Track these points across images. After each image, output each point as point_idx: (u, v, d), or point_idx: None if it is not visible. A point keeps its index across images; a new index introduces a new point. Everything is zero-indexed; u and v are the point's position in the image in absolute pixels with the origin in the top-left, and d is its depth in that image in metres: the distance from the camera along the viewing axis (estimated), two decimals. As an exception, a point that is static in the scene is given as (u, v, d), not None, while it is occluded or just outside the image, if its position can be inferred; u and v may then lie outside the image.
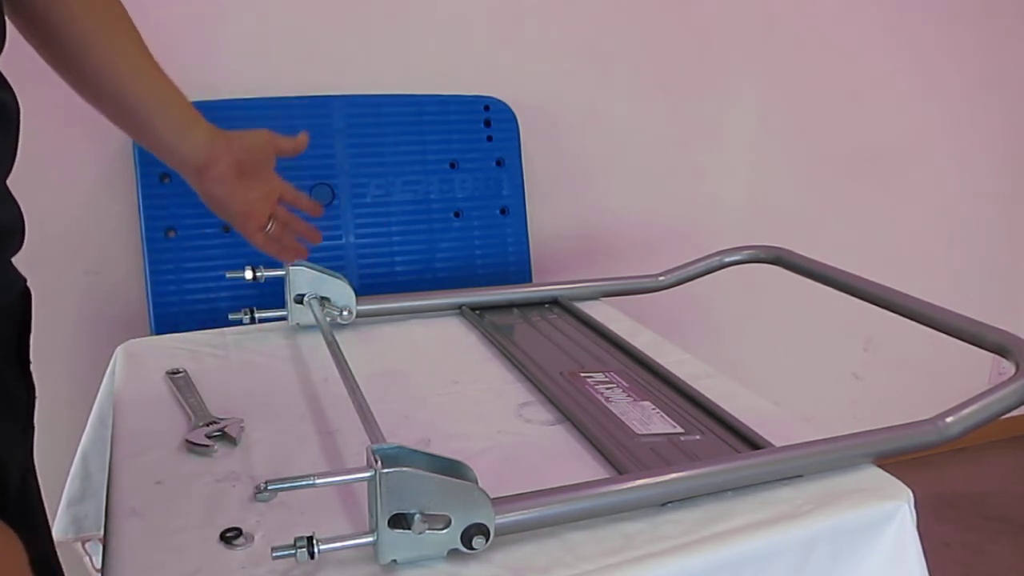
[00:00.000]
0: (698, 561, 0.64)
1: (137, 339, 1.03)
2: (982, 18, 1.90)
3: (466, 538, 0.61)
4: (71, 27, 0.74)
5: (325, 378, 0.92)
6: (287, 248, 0.96)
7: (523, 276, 1.48)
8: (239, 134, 0.89)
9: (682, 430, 0.82)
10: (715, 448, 0.79)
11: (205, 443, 0.77)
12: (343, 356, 0.84)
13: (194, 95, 1.30)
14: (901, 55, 1.85)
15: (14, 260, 0.66)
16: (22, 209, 0.66)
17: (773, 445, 0.76)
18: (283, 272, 1.00)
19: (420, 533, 0.59)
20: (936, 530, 1.93)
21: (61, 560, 0.79)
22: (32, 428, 0.70)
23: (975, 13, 1.89)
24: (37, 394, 0.70)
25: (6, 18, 0.60)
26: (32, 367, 0.70)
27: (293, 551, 0.58)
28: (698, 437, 0.81)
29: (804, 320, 1.88)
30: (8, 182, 0.63)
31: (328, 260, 1.34)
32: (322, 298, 1.02)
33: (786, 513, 0.69)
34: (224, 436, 0.79)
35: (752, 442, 0.78)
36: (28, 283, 0.69)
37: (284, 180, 0.95)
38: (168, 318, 1.26)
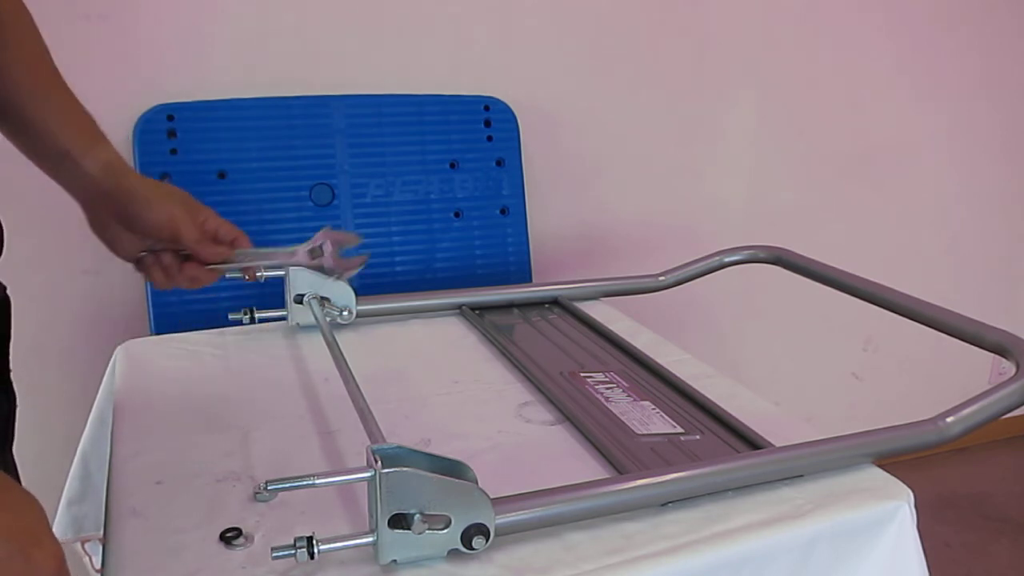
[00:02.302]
0: (698, 561, 0.64)
1: (137, 339, 1.03)
2: (982, 18, 1.90)
3: (466, 538, 0.61)
4: None
5: (325, 378, 0.91)
6: (159, 280, 0.84)
7: (523, 276, 1.48)
8: (137, 195, 0.78)
9: (682, 430, 0.82)
10: (715, 448, 0.79)
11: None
12: (343, 356, 0.84)
13: (194, 95, 1.31)
14: (901, 56, 1.85)
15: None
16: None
17: (773, 445, 0.76)
18: (283, 272, 1.00)
19: (420, 533, 0.59)
20: (936, 530, 1.93)
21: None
22: (11, 437, 0.69)
23: (975, 13, 1.89)
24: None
25: None
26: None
27: (293, 551, 0.58)
28: (698, 437, 0.81)
29: (804, 320, 1.88)
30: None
31: (328, 260, 1.34)
32: (322, 298, 1.02)
33: (786, 513, 0.69)
34: None
35: (752, 442, 0.78)
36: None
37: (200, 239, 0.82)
38: (168, 318, 1.26)
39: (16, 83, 0.72)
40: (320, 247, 0.87)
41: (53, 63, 0.75)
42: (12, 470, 0.71)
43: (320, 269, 0.85)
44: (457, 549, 0.61)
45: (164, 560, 0.61)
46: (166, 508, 0.68)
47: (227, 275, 0.97)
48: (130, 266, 1.37)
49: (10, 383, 0.69)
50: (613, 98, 1.62)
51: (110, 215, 0.78)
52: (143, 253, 0.81)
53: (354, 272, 0.84)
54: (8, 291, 0.68)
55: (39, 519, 0.47)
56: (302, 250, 0.87)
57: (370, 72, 1.43)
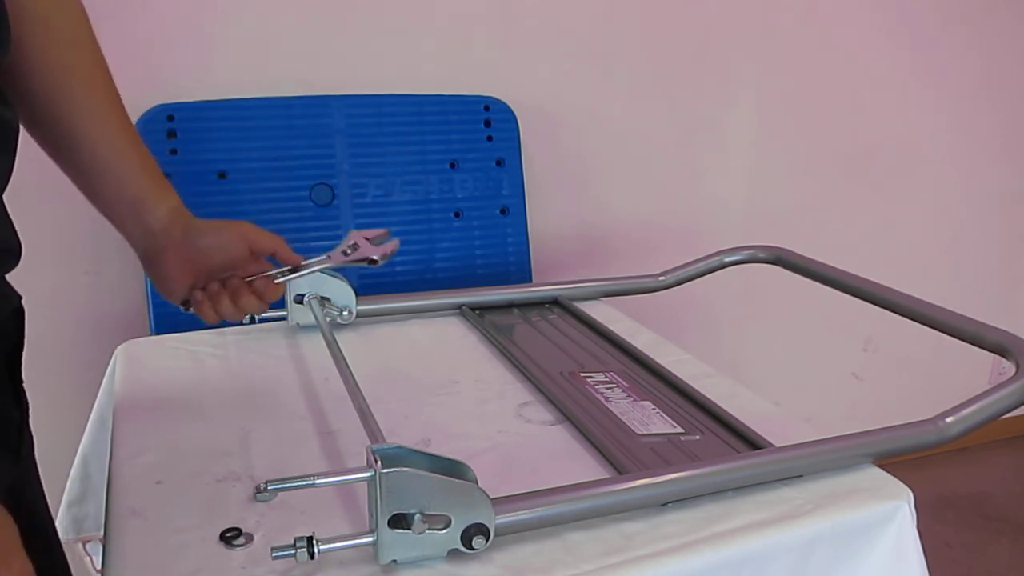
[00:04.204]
0: (698, 561, 0.64)
1: (137, 339, 1.03)
2: (982, 18, 1.90)
3: (466, 538, 0.61)
4: (44, 81, 0.69)
5: (325, 378, 0.92)
6: (208, 313, 0.82)
7: (523, 276, 1.48)
8: (205, 228, 0.79)
9: (682, 430, 0.82)
10: (715, 448, 0.79)
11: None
12: (343, 356, 0.84)
13: (194, 95, 1.31)
14: (901, 55, 1.85)
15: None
16: (24, 209, 0.65)
17: (773, 445, 0.76)
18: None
19: (420, 533, 0.59)
20: (936, 530, 1.93)
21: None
22: (29, 443, 0.69)
23: (975, 13, 1.89)
24: (33, 400, 0.70)
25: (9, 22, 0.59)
26: (25, 377, 0.69)
27: (293, 551, 0.58)
28: (698, 437, 0.81)
29: (804, 320, 1.88)
30: (9, 182, 0.62)
31: (328, 260, 1.34)
32: (322, 298, 1.02)
33: (786, 513, 0.69)
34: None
35: (752, 442, 0.78)
36: (25, 289, 0.68)
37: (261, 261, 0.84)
38: (168, 318, 1.26)
39: (99, 130, 0.73)
40: (353, 244, 0.88)
41: (123, 106, 0.76)
42: (31, 480, 0.71)
43: (360, 262, 0.86)
44: (457, 549, 0.61)
45: (164, 560, 0.61)
46: (166, 508, 0.68)
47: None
48: (130, 266, 1.38)
49: (23, 392, 0.69)
50: (613, 98, 1.61)
51: (176, 258, 0.78)
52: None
53: (391, 255, 0.86)
54: (23, 301, 0.68)
55: (9, 537, 0.46)
56: (336, 252, 0.88)
57: (370, 72, 1.43)
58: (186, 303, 0.82)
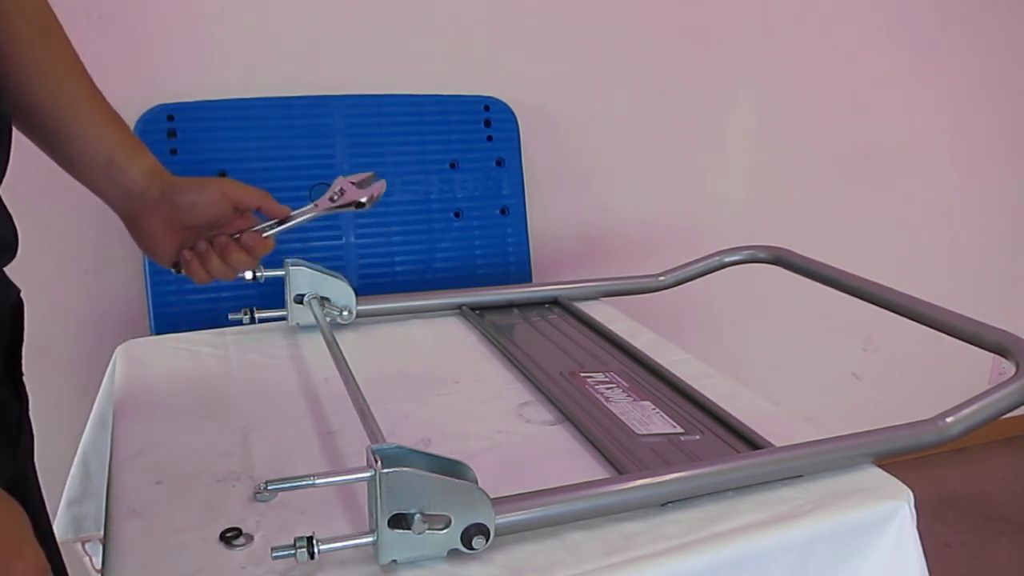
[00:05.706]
0: (698, 561, 0.64)
1: (137, 339, 1.03)
2: (982, 18, 1.90)
3: (466, 538, 0.61)
4: (3, 52, 0.68)
5: (325, 378, 0.92)
6: (199, 272, 0.81)
7: (523, 276, 1.48)
8: (184, 186, 0.78)
9: (682, 430, 0.82)
10: (715, 448, 0.79)
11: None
12: (343, 356, 0.84)
13: (194, 95, 1.31)
14: (901, 55, 1.85)
15: (12, 267, 0.65)
16: (24, 208, 0.65)
17: (773, 445, 0.76)
18: (283, 272, 1.00)
19: (420, 533, 0.59)
20: (936, 530, 1.93)
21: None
22: (28, 437, 0.69)
23: (975, 13, 1.89)
24: (34, 399, 0.70)
25: None
26: (25, 375, 0.69)
27: (293, 551, 0.58)
28: (698, 437, 0.81)
29: (804, 320, 1.88)
30: (7, 182, 0.62)
31: (328, 260, 1.34)
32: (322, 298, 1.02)
33: (786, 513, 0.69)
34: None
35: (752, 442, 0.78)
36: (26, 288, 0.68)
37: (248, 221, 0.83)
38: (168, 318, 1.26)
39: (62, 93, 0.72)
40: (340, 190, 0.88)
41: (87, 71, 0.75)
42: (29, 477, 0.71)
43: (348, 206, 0.86)
44: (457, 549, 0.61)
45: (164, 560, 0.61)
46: (166, 508, 0.68)
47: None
48: (130, 266, 1.38)
49: (23, 386, 0.69)
50: (613, 98, 1.61)
51: (158, 219, 0.78)
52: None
53: (379, 196, 0.85)
54: (22, 294, 0.68)
55: (21, 528, 0.46)
56: (323, 200, 0.88)
57: (370, 72, 1.43)
58: (176, 265, 0.81)
